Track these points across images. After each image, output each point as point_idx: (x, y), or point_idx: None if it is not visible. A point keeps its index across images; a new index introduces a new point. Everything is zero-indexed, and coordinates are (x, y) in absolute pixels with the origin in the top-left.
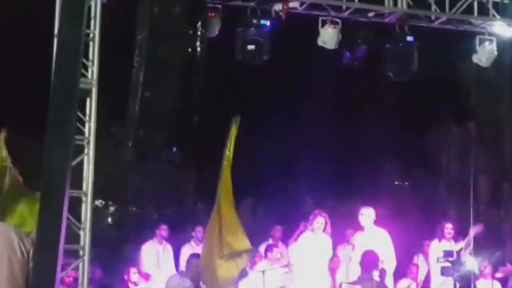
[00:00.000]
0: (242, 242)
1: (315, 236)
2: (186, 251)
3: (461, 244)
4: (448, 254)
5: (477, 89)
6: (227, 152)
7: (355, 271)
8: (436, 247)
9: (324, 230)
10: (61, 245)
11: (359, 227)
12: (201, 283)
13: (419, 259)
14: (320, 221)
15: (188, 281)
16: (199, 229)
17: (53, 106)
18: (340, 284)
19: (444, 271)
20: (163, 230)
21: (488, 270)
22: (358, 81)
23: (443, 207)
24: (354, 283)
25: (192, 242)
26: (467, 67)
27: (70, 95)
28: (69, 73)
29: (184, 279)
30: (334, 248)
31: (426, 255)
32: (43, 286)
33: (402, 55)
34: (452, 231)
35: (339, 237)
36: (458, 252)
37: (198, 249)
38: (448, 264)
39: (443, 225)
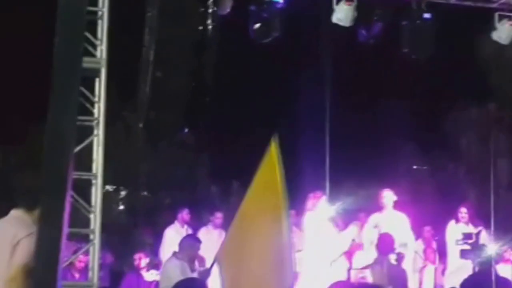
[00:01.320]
0: None
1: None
2: (202, 235)
3: (480, 227)
4: (467, 236)
5: (497, 67)
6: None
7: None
8: (454, 229)
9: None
10: (65, 223)
11: (378, 210)
12: (196, 264)
13: (437, 243)
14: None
15: (186, 264)
16: (218, 215)
17: (56, 84)
18: (349, 270)
19: (463, 254)
20: (185, 214)
21: (508, 254)
22: (374, 60)
23: (462, 191)
24: (365, 267)
25: (209, 226)
26: (486, 45)
27: (73, 72)
28: (72, 48)
29: (183, 263)
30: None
31: (445, 238)
32: (46, 266)
33: (419, 33)
34: (466, 215)
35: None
36: (477, 235)
37: (215, 233)
38: (467, 247)
39: (458, 208)
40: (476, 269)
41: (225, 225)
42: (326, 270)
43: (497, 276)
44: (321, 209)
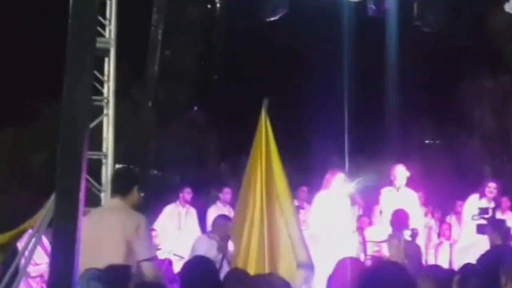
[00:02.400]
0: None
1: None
2: (213, 212)
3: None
4: (483, 211)
5: (509, 39)
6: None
7: (386, 230)
8: (470, 208)
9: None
10: (82, 202)
11: (389, 184)
12: (229, 244)
13: (451, 219)
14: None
15: (215, 243)
16: (226, 190)
17: (70, 64)
18: (365, 243)
19: (480, 229)
20: (187, 193)
21: None
22: (385, 33)
23: (477, 164)
24: (382, 242)
25: (218, 203)
26: (499, 16)
27: (87, 51)
28: (85, 31)
29: (211, 241)
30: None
31: (458, 215)
32: (65, 244)
33: (430, 5)
34: (495, 191)
35: (367, 196)
36: (494, 209)
37: (225, 210)
38: (484, 222)
39: (485, 183)
40: (493, 244)
41: (234, 201)
42: (339, 247)
43: None
44: (337, 187)
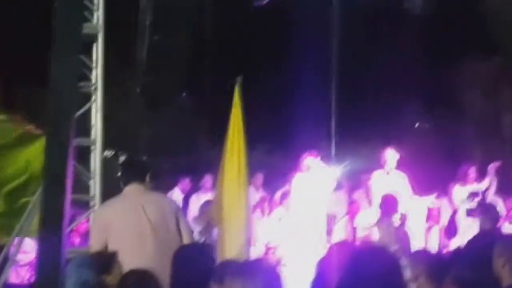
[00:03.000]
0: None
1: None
2: (194, 200)
3: (485, 183)
4: (473, 195)
5: (501, 21)
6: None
7: (377, 214)
8: (461, 189)
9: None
10: (68, 189)
11: (380, 168)
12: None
13: (442, 202)
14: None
15: (199, 228)
16: (207, 177)
17: (56, 52)
18: (355, 228)
19: (470, 213)
20: (187, 183)
21: None
22: (376, 16)
23: (467, 147)
24: (372, 225)
25: (199, 192)
26: None
27: (73, 39)
28: (71, 16)
29: (195, 227)
30: (351, 192)
31: (450, 197)
32: (52, 231)
33: None
34: (474, 176)
35: (356, 180)
36: (484, 192)
37: (207, 197)
38: (474, 205)
39: (465, 169)
40: (483, 228)
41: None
42: (319, 233)
43: (504, 234)
44: (315, 169)
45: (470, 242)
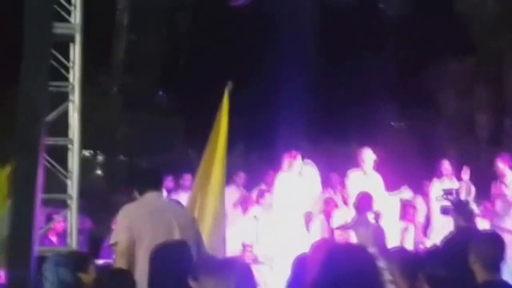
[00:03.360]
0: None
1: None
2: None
3: (462, 183)
4: (447, 192)
5: (475, 22)
6: (221, 124)
7: (351, 214)
8: (437, 186)
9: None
10: (39, 188)
11: (355, 167)
12: None
13: (417, 201)
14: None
15: None
16: (186, 176)
17: (27, 52)
18: (333, 230)
19: (443, 210)
20: (169, 181)
21: (487, 210)
22: (352, 18)
23: (442, 147)
24: (348, 227)
25: (179, 190)
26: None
27: (44, 39)
28: (43, 15)
29: None
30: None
31: (425, 196)
32: (22, 231)
33: None
34: (450, 168)
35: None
36: (458, 191)
37: (185, 196)
38: (448, 203)
39: (440, 163)
40: (457, 225)
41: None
42: (301, 231)
43: (479, 231)
44: (296, 169)
45: (445, 240)
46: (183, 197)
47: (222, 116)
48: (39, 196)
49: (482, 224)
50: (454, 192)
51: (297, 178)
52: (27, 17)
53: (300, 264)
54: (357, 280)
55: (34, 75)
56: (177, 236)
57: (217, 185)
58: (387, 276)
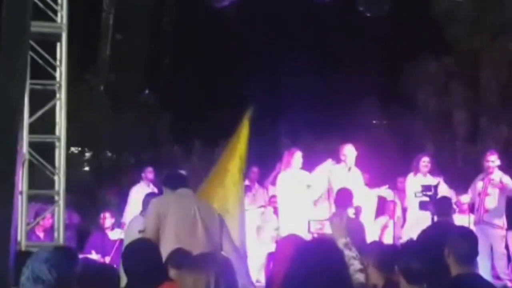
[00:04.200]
0: None
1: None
2: (137, 191)
3: (439, 178)
4: (426, 188)
5: (453, 22)
6: (239, 149)
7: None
8: (413, 181)
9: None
10: (18, 184)
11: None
12: None
13: (396, 196)
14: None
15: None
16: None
17: (4, 50)
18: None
19: (422, 206)
20: (149, 172)
21: (465, 205)
22: (331, 18)
23: (421, 143)
24: (324, 219)
25: (141, 182)
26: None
27: (21, 38)
28: (20, 15)
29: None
30: None
31: (400, 192)
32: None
33: None
34: (429, 164)
35: None
36: (436, 187)
37: (148, 189)
38: (426, 199)
39: (419, 158)
40: (435, 220)
41: (156, 180)
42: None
43: (454, 226)
44: (296, 165)
45: (422, 234)
46: (146, 189)
47: (240, 138)
48: (18, 195)
49: (459, 220)
50: (432, 188)
51: (298, 173)
52: (4, 13)
53: (272, 258)
54: (323, 270)
55: (11, 73)
56: (199, 227)
57: (237, 181)
58: (357, 265)
